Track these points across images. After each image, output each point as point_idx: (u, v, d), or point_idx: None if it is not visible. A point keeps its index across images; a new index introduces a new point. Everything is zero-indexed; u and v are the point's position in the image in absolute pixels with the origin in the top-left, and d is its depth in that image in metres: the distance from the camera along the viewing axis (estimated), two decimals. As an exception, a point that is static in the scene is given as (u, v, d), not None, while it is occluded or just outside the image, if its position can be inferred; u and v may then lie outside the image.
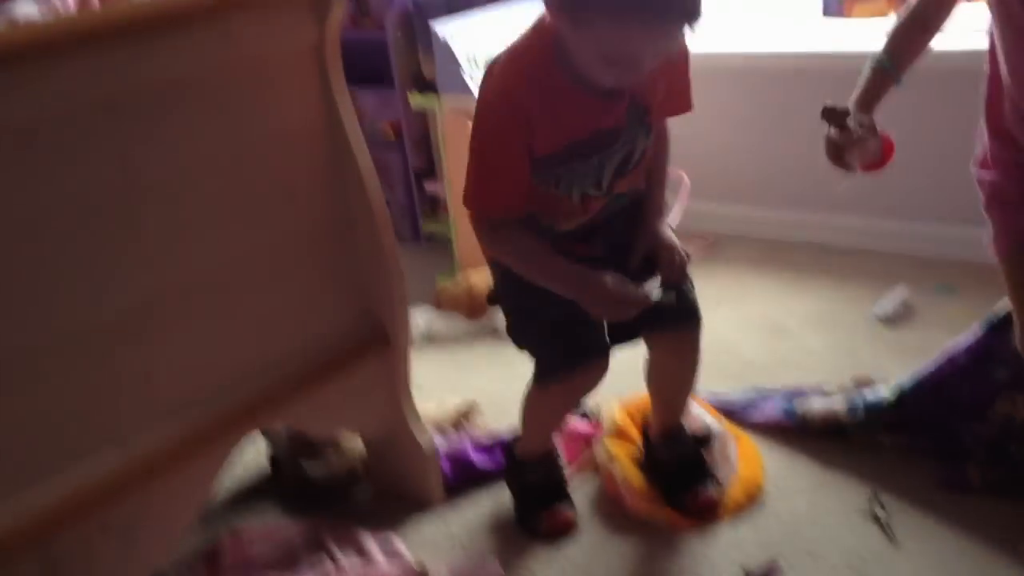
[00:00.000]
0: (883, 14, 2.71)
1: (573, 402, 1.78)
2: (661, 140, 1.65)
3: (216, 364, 1.56)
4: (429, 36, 2.71)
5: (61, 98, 1.34)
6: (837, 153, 1.59)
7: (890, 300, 2.36)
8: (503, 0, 2.81)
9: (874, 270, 2.58)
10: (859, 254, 2.69)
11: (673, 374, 1.78)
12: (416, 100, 2.86)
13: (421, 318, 2.55)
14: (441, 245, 3.06)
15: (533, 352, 1.67)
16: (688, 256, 1.61)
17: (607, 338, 1.64)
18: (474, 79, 2.60)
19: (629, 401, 1.93)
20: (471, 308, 2.53)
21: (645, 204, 1.64)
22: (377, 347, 1.76)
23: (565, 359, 1.63)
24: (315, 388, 1.68)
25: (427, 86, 2.80)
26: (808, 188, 2.76)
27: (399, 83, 3.05)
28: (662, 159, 1.67)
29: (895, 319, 2.33)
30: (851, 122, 1.55)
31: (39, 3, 1.50)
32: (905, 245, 2.64)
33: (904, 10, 1.62)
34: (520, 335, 1.69)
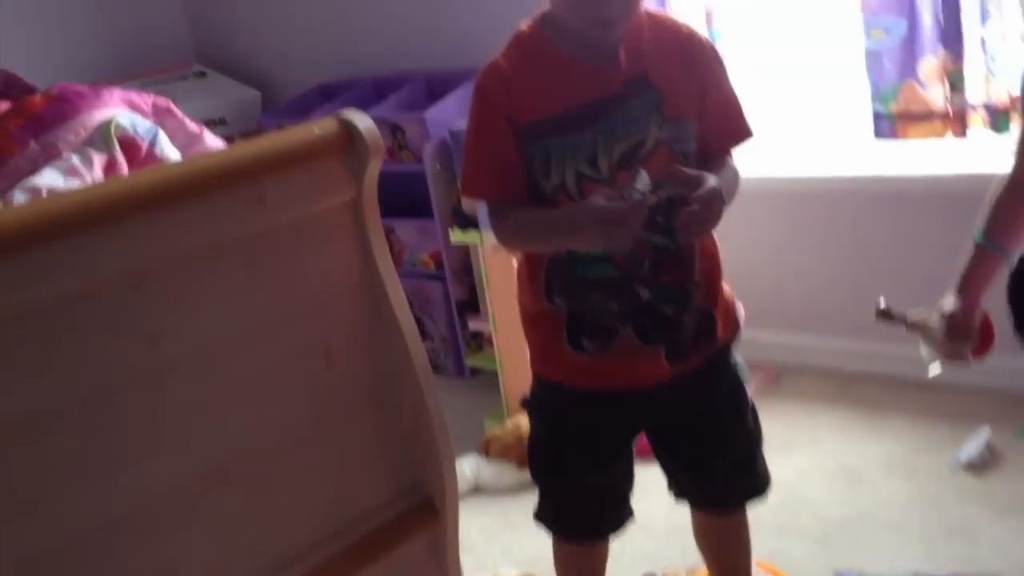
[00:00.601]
0: (939, 135, 2.59)
1: (581, 564, 1.70)
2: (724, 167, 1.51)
3: (251, 553, 1.43)
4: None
5: (85, 274, 1.24)
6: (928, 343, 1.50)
7: (974, 444, 2.19)
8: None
9: (951, 407, 2.42)
10: (934, 389, 2.51)
11: (725, 541, 1.69)
12: (457, 236, 2.77)
13: (468, 467, 2.41)
14: (487, 380, 2.94)
15: (540, 492, 1.65)
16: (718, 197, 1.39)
17: (622, 515, 1.62)
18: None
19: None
20: (522, 456, 2.37)
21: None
22: (423, 522, 1.61)
23: (566, 531, 1.65)
24: (359, 572, 1.54)
25: (467, 221, 2.71)
26: (878, 316, 2.62)
27: (438, 215, 2.98)
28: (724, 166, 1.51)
29: (980, 466, 2.15)
30: (915, 315, 1.52)
31: (64, 173, 1.42)
32: (983, 378, 2.46)
33: (1005, 180, 1.50)
34: (537, 468, 1.64)
